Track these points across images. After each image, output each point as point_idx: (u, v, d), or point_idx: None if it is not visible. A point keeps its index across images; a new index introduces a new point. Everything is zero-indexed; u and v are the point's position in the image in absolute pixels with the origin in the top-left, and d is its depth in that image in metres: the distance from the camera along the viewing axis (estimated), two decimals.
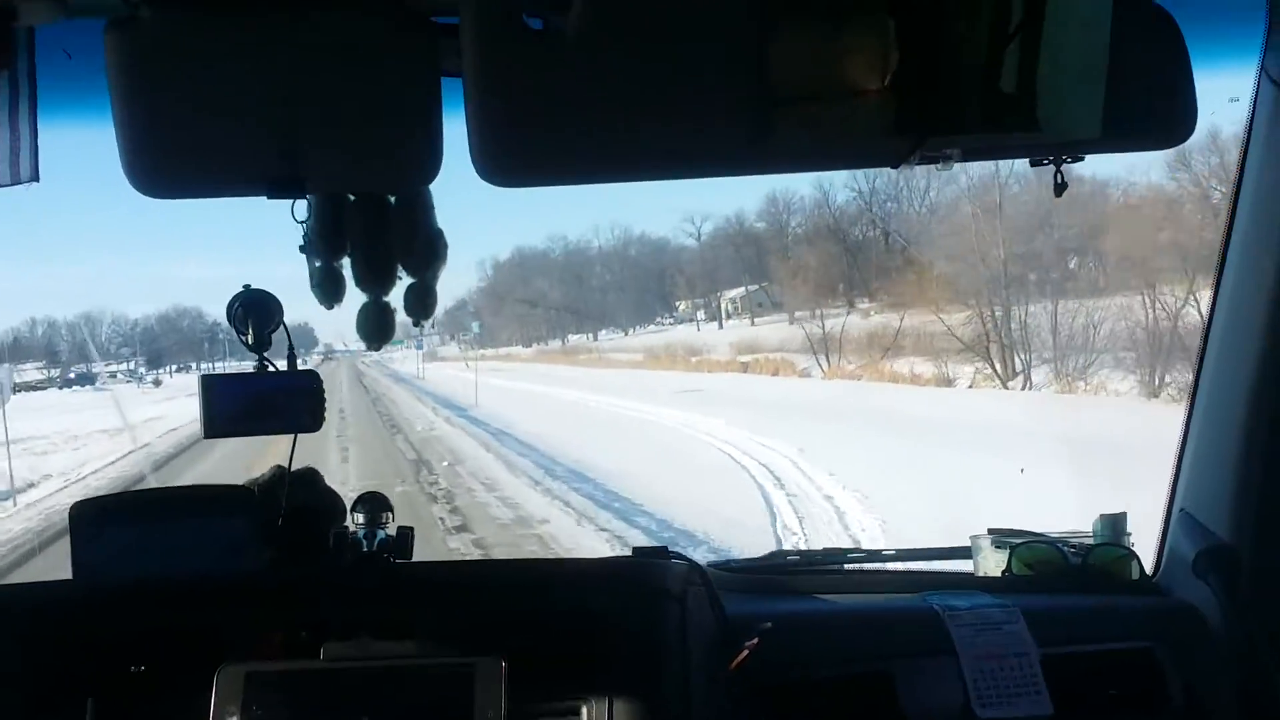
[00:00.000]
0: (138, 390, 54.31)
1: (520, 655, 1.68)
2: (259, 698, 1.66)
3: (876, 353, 33.84)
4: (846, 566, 2.28)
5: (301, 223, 1.73)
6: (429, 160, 1.60)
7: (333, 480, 2.14)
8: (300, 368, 1.93)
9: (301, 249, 1.81)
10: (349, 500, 2.03)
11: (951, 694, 1.93)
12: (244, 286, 1.91)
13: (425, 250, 1.95)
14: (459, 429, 24.33)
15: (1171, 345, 20.40)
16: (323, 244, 1.88)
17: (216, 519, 1.98)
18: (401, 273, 1.96)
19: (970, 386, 27.30)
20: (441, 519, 13.11)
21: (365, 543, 1.89)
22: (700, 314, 65.98)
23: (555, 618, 1.80)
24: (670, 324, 69.06)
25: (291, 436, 1.98)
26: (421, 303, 1.98)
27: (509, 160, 1.56)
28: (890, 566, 2.29)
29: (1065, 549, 2.21)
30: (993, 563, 2.25)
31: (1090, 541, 2.23)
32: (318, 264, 1.90)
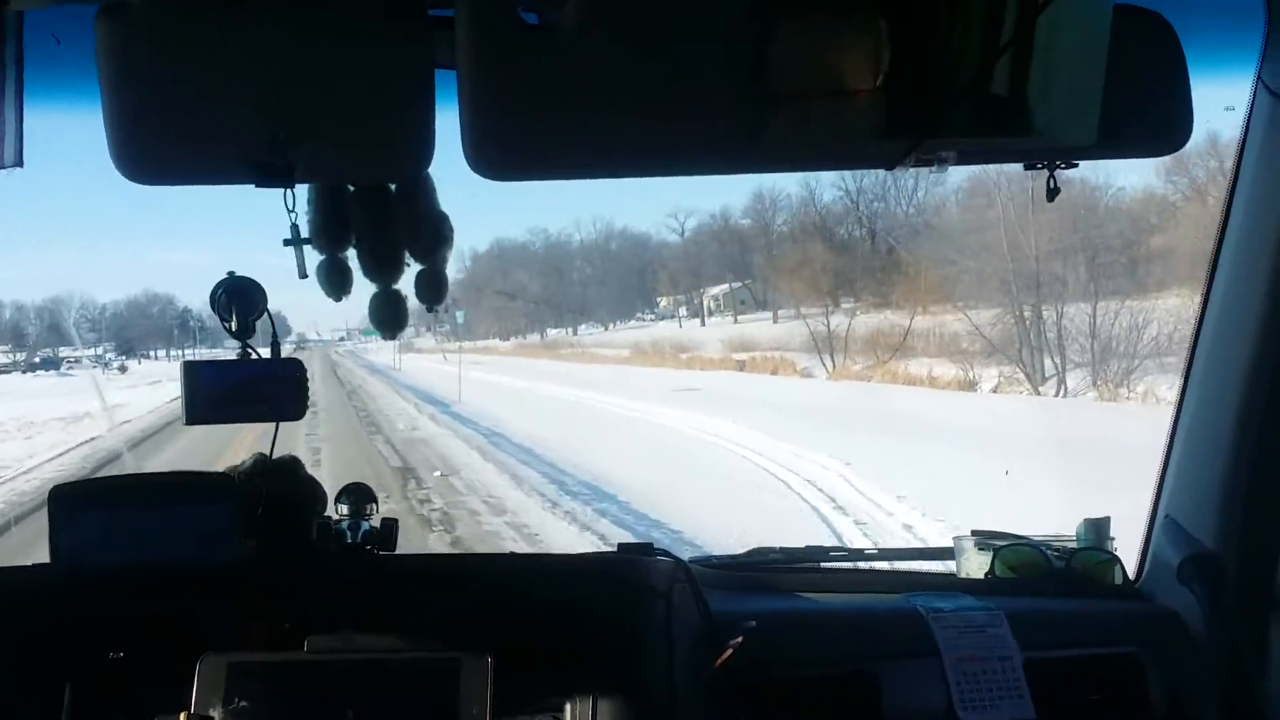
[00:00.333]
0: (102, 376, 53.23)
1: (505, 650, 1.67)
2: (241, 688, 1.65)
3: (884, 353, 33.06)
4: (830, 565, 2.28)
5: (290, 212, 1.70)
6: (420, 151, 1.59)
7: None
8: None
9: (287, 241, 1.77)
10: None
11: (934, 696, 1.93)
12: (228, 273, 1.89)
13: (431, 235, 1.92)
14: (445, 429, 22.01)
15: None
16: (325, 237, 1.86)
17: (196, 506, 1.96)
18: (409, 259, 1.93)
19: (994, 390, 26.04)
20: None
21: (349, 534, 1.88)
22: (682, 310, 65.50)
23: (540, 613, 1.79)
24: (651, 320, 68.66)
25: (258, 429, 1.96)
26: (433, 288, 1.95)
27: (501, 154, 1.55)
28: (873, 566, 2.29)
29: (1048, 552, 2.21)
30: (975, 564, 2.25)
31: (1073, 545, 2.24)
32: (322, 257, 1.88)
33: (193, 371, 1.86)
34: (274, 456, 2.03)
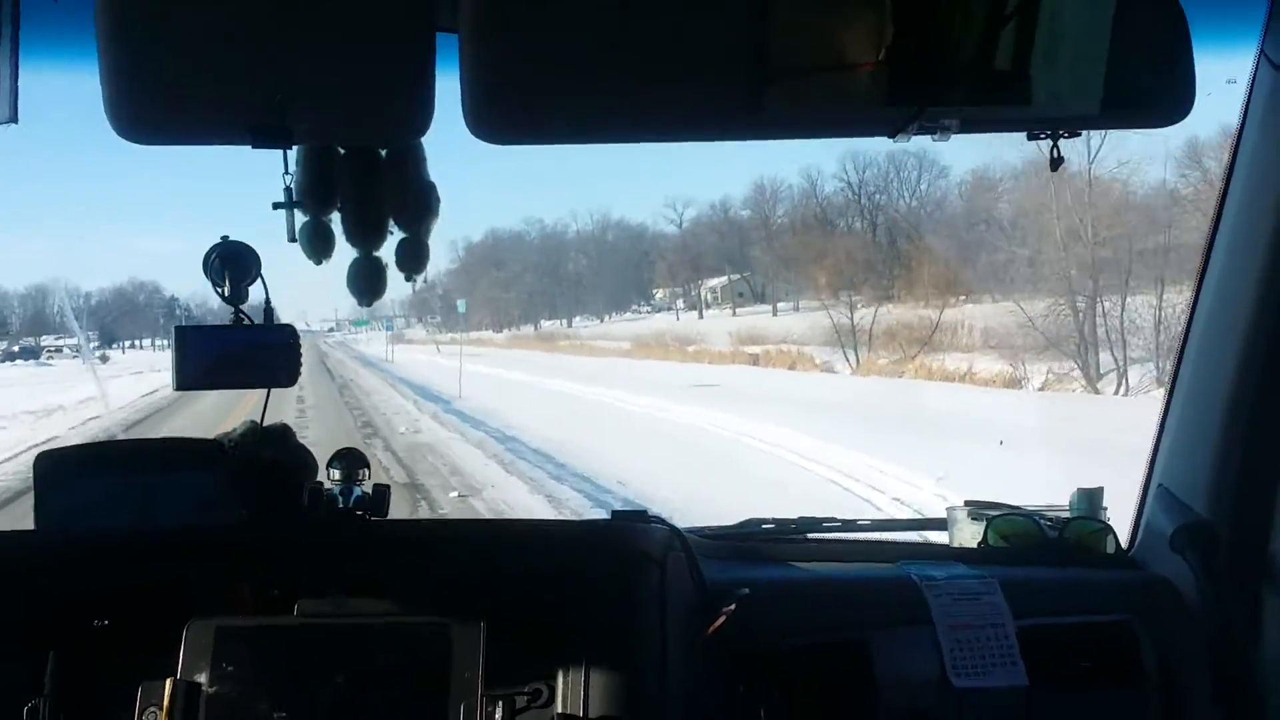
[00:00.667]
0: (82, 367, 50.50)
1: (497, 615, 1.66)
2: (229, 652, 1.63)
3: (911, 347, 31.76)
4: (824, 535, 2.27)
5: (286, 174, 1.68)
6: (420, 115, 1.57)
7: None
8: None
9: (277, 205, 1.75)
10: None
11: (927, 663, 1.93)
12: (222, 237, 1.86)
13: (417, 204, 1.91)
14: (453, 431, 19.44)
15: None
16: (311, 198, 1.84)
17: (186, 473, 1.95)
18: (393, 227, 1.91)
19: (1042, 388, 24.41)
20: None
21: (341, 499, 1.87)
22: (679, 303, 64.82)
23: (533, 578, 1.78)
24: (648, 312, 68.10)
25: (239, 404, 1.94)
26: (414, 257, 1.94)
27: (501, 117, 1.54)
28: (867, 536, 2.29)
29: (1042, 522, 2.21)
30: (968, 534, 2.25)
31: (1067, 515, 2.24)
32: (306, 219, 1.86)
33: (184, 337, 1.84)
34: (265, 424, 2.01)
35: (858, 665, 1.92)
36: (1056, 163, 1.70)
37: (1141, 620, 1.99)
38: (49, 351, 61.50)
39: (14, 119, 1.60)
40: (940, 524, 2.34)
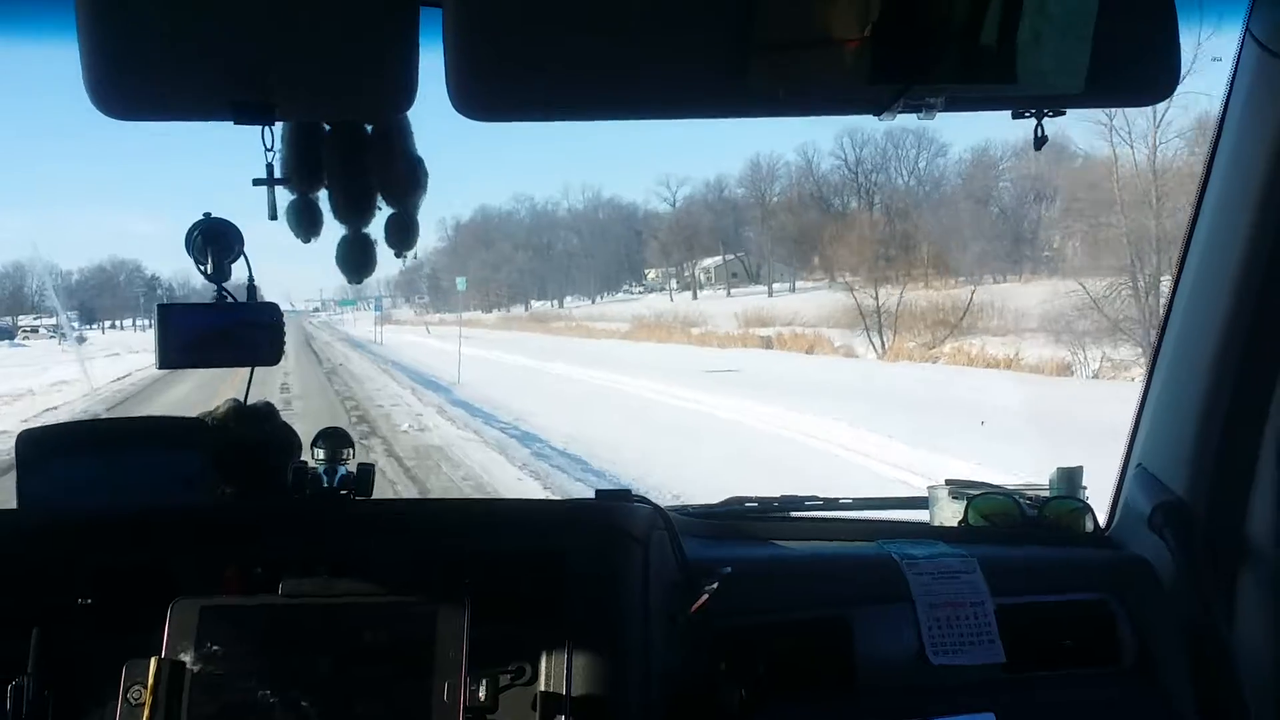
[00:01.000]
0: (58, 348, 48.90)
1: (482, 594, 1.67)
2: (213, 632, 1.63)
3: (940, 330, 30.33)
4: (806, 514, 2.29)
5: (268, 151, 1.67)
6: (403, 90, 1.56)
7: None
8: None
9: (257, 181, 1.73)
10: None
11: (907, 640, 1.95)
12: (204, 214, 1.85)
13: (405, 178, 1.89)
14: (464, 429, 16.75)
15: None
16: (297, 175, 1.83)
17: (169, 451, 1.94)
18: (381, 203, 1.90)
19: (1094, 376, 22.35)
20: None
21: (325, 479, 1.87)
22: (673, 283, 64.06)
23: (518, 557, 1.78)
24: (640, 292, 67.30)
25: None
26: (403, 233, 1.93)
27: (485, 94, 1.53)
28: (848, 515, 2.30)
29: (1021, 501, 2.23)
30: (949, 513, 2.27)
31: (1047, 494, 2.26)
32: (293, 196, 1.85)
33: (167, 315, 1.83)
34: (249, 402, 2.00)
35: (838, 642, 1.94)
36: (1040, 141, 1.70)
37: (1119, 599, 2.02)
38: (24, 331, 60.25)
39: None
40: (922, 502, 2.36)
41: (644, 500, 1.94)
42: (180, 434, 1.97)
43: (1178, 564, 1.98)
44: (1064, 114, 1.67)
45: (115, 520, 1.83)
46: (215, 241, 1.84)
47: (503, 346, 37.80)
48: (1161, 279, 21.68)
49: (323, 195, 1.89)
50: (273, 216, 1.78)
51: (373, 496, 1.94)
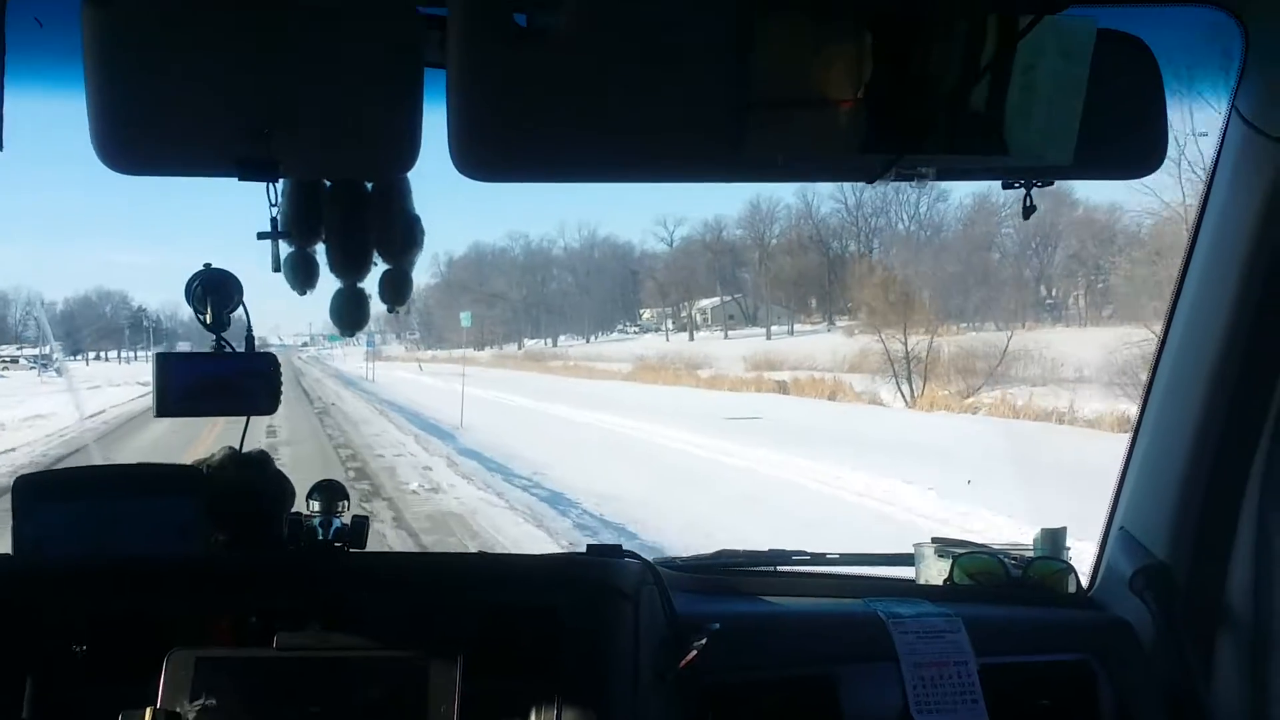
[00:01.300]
0: (36, 380, 46.65)
1: (473, 650, 1.68)
2: (209, 684, 1.64)
3: (975, 378, 28.61)
4: (793, 569, 2.30)
5: (272, 206, 1.70)
6: (406, 150, 1.59)
7: None
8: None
9: (261, 235, 1.77)
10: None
11: (891, 699, 1.96)
12: (204, 265, 1.88)
13: (403, 236, 1.92)
14: (481, 486, 14.48)
15: None
16: (297, 229, 1.85)
17: (164, 498, 1.95)
18: (377, 259, 1.93)
19: None
20: None
21: (320, 530, 1.88)
22: (669, 323, 63.35)
23: (509, 612, 1.80)
24: (635, 333, 66.29)
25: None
26: (397, 289, 1.95)
27: (487, 155, 1.56)
28: (836, 570, 2.32)
29: (1006, 560, 2.25)
30: (935, 571, 2.29)
31: (1031, 554, 2.28)
32: (291, 249, 1.87)
33: (165, 363, 1.85)
34: (244, 450, 2.02)
35: (824, 700, 1.95)
36: (1029, 211, 1.74)
37: (1100, 661, 2.04)
38: (4, 361, 59.25)
39: None
40: (908, 559, 2.38)
41: (633, 555, 1.96)
42: (175, 481, 1.99)
43: (1158, 627, 2.00)
44: (1052, 184, 1.71)
45: (109, 568, 1.84)
46: (215, 292, 1.87)
47: (501, 386, 35.60)
48: None
49: (319, 249, 1.92)
50: (276, 269, 1.81)
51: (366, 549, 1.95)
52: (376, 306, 2.01)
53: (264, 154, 1.53)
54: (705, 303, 61.71)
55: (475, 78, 1.51)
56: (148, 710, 1.59)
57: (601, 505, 12.87)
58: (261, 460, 2.03)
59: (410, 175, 1.90)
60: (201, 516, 1.93)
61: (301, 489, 1.98)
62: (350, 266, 1.91)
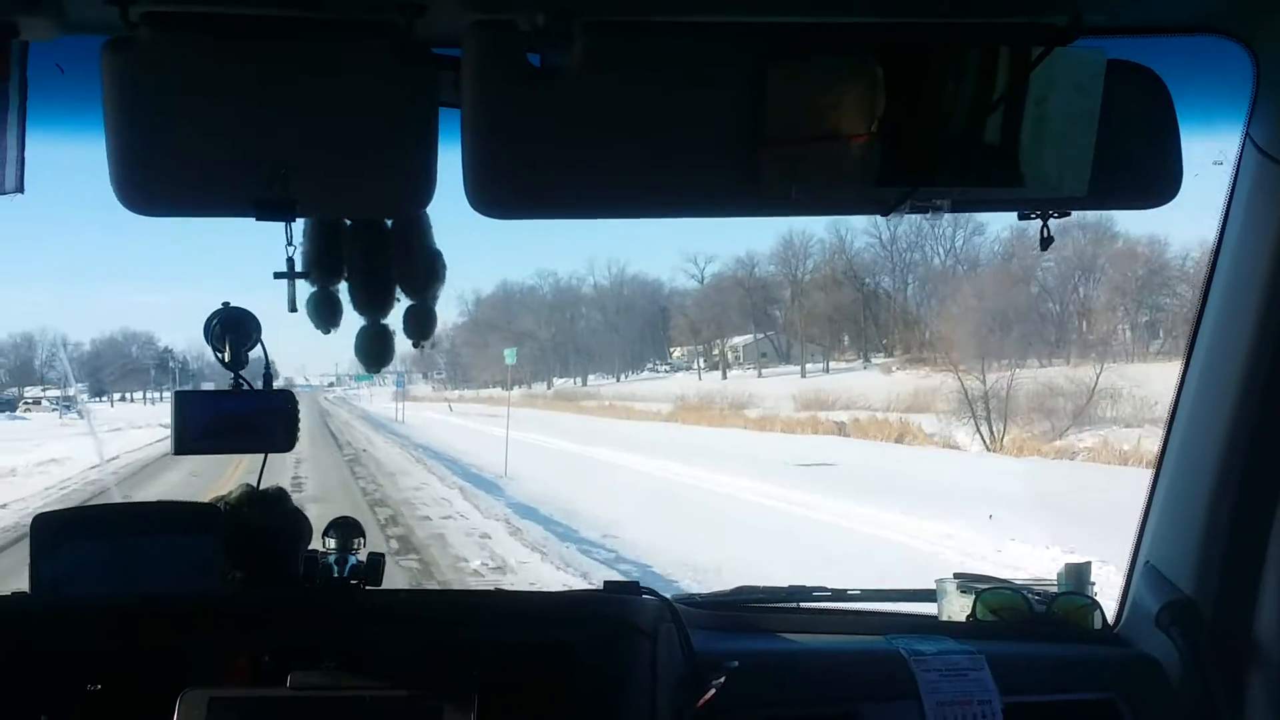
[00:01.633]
0: (57, 421, 46.22)
1: (490, 688, 1.67)
2: None
3: (1060, 418, 26.56)
4: (813, 605, 2.28)
5: (289, 245, 1.72)
6: (422, 188, 1.61)
7: None
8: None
9: (278, 275, 1.78)
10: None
11: None
12: (223, 304, 1.90)
13: (424, 272, 1.93)
14: (558, 562, 12.47)
15: None
16: (319, 268, 1.87)
17: (182, 536, 1.96)
18: (399, 295, 1.94)
19: None
20: None
21: (336, 568, 1.87)
22: (700, 361, 62.37)
23: (526, 650, 1.79)
24: (666, 371, 65.54)
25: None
26: (421, 324, 1.96)
27: (501, 192, 1.57)
28: (856, 606, 2.29)
29: (1030, 596, 2.22)
30: (957, 607, 2.26)
31: (1055, 589, 2.25)
32: (314, 289, 1.88)
33: (183, 401, 1.86)
34: (262, 488, 2.02)
35: None
36: (1046, 242, 1.74)
37: (1126, 699, 2.00)
38: (26, 404, 59.15)
39: (20, 189, 1.63)
40: (930, 595, 2.35)
41: (651, 592, 1.94)
42: (193, 519, 1.99)
43: (1185, 663, 1.96)
44: (1069, 215, 1.71)
45: (125, 606, 1.84)
46: (234, 330, 1.88)
47: (535, 427, 32.90)
48: None
49: (342, 287, 1.93)
50: (292, 309, 1.82)
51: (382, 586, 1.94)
52: (400, 343, 2.02)
53: (281, 194, 1.55)
54: (738, 340, 60.90)
55: (489, 116, 1.53)
56: None
57: (701, 580, 11.12)
58: (279, 498, 2.03)
59: (437, 214, 1.92)
60: (219, 554, 1.93)
61: None
62: (373, 304, 1.93)
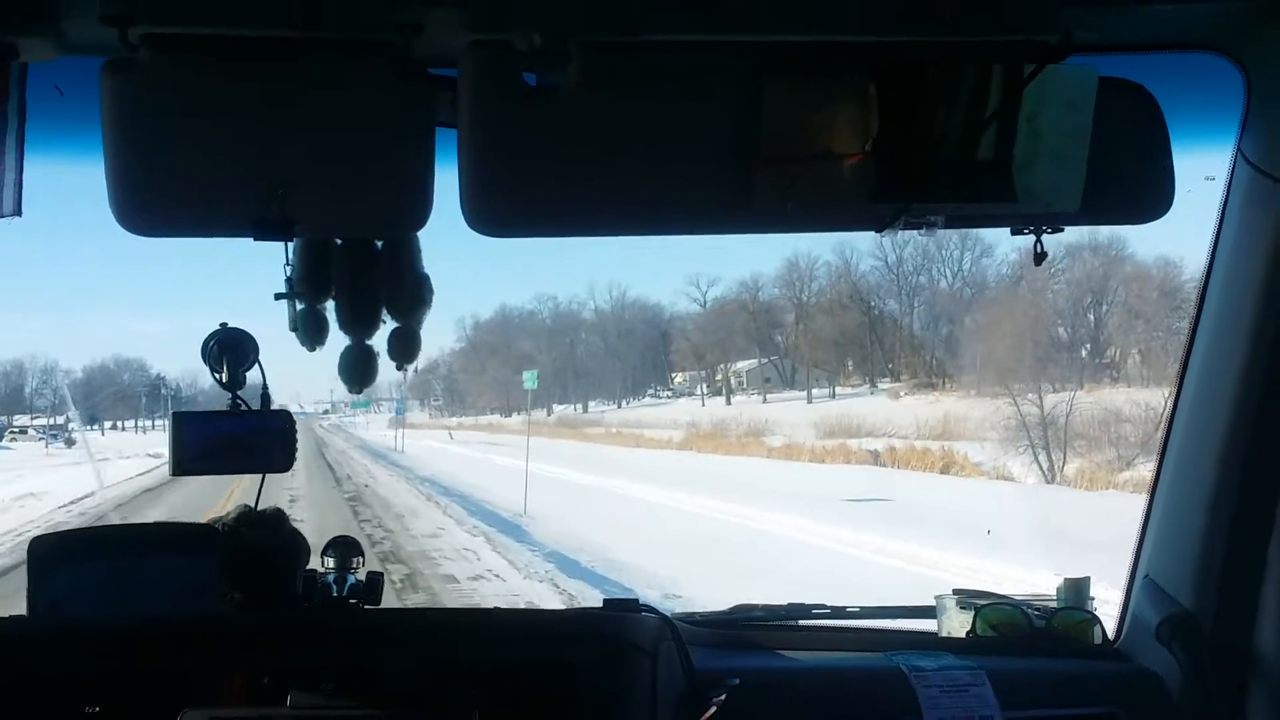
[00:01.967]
0: (43, 451, 45.37)
1: (490, 707, 1.66)
2: None
3: (1127, 446, 24.08)
4: (812, 623, 2.28)
5: (287, 265, 1.72)
6: (419, 208, 1.61)
7: None
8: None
9: (278, 296, 1.79)
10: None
11: None
12: (220, 324, 1.90)
13: (411, 295, 1.94)
14: None
15: None
16: (307, 286, 1.87)
17: (179, 557, 1.96)
18: (386, 316, 1.94)
19: None
20: None
21: (335, 587, 1.87)
22: (702, 387, 61.13)
23: (526, 668, 1.78)
24: (668, 397, 64.37)
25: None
26: (405, 347, 1.96)
27: (498, 211, 1.58)
28: (856, 624, 2.29)
29: (1029, 611, 2.22)
30: (957, 623, 2.26)
31: (1054, 604, 2.25)
32: (300, 306, 1.89)
33: (181, 422, 1.86)
34: (259, 508, 2.02)
35: None
36: (1040, 257, 1.75)
37: (1127, 713, 2.00)
38: (12, 432, 58.10)
39: (18, 213, 1.63)
40: (929, 611, 2.35)
41: (651, 610, 1.94)
42: (190, 540, 1.99)
43: (1186, 677, 1.96)
44: (1062, 231, 1.71)
45: (123, 628, 1.83)
46: (231, 350, 1.88)
47: (543, 457, 28.87)
48: None
49: (329, 306, 1.93)
50: (294, 329, 1.83)
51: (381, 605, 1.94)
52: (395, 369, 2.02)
53: (279, 214, 1.56)
54: (741, 365, 60.03)
55: (486, 136, 1.53)
56: None
57: None
58: (277, 518, 2.03)
59: (435, 236, 1.92)
60: (217, 575, 1.93)
61: None
62: (359, 324, 1.93)
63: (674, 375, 67.94)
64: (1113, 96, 1.59)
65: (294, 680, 1.69)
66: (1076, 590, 2.26)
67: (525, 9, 1.48)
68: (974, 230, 1.80)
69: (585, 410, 68.45)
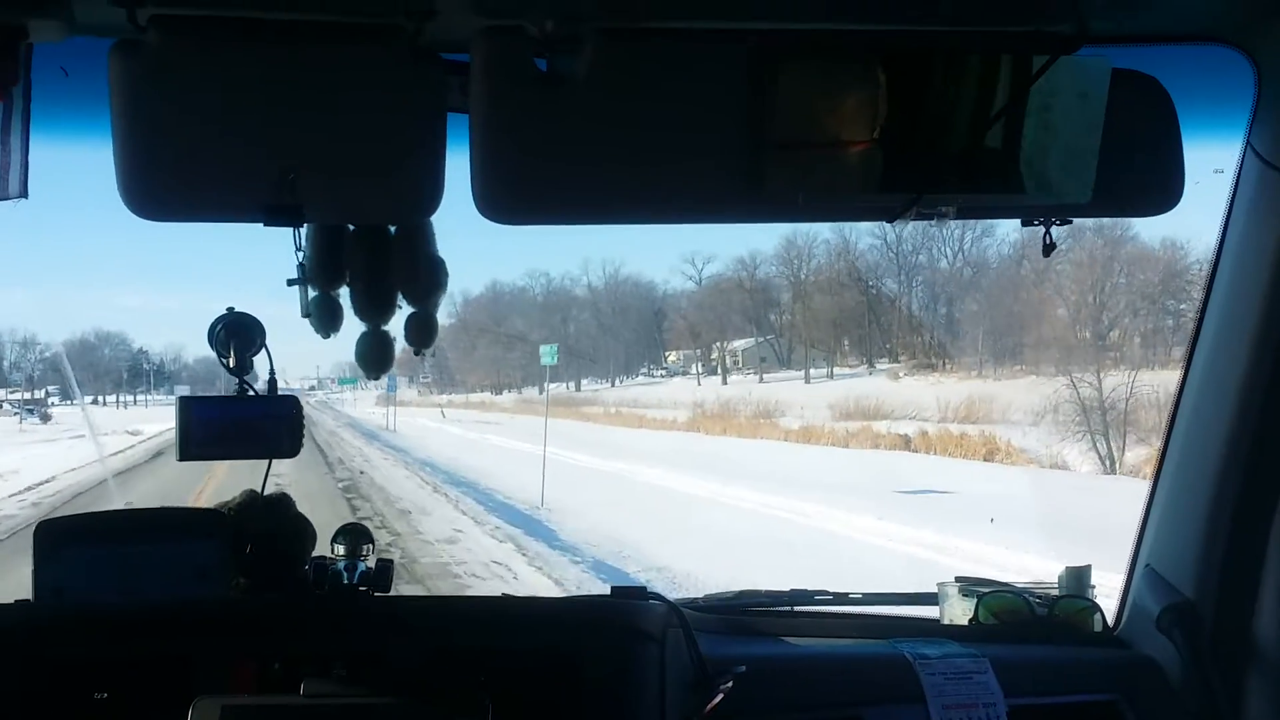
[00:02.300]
0: (17, 427, 43.72)
1: (500, 694, 1.67)
2: None
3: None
4: (817, 609, 2.29)
5: (298, 251, 1.71)
6: (430, 193, 1.61)
7: None
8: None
9: (290, 281, 1.78)
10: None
11: None
12: (227, 309, 1.89)
13: (426, 279, 1.93)
14: None
15: None
16: (321, 273, 1.86)
17: (186, 542, 1.95)
18: (401, 301, 1.94)
19: None
20: None
21: (345, 574, 1.87)
22: (697, 366, 60.09)
23: (536, 655, 1.79)
24: (662, 376, 63.39)
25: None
26: (422, 332, 1.95)
27: (509, 198, 1.57)
28: (860, 610, 2.30)
29: (1031, 599, 2.23)
30: (959, 610, 2.27)
31: (1056, 592, 2.26)
32: (314, 293, 1.88)
33: (187, 407, 1.85)
34: (266, 493, 2.02)
35: None
36: (1050, 248, 1.75)
37: (1127, 700, 2.02)
38: None
39: (24, 194, 1.62)
40: (931, 598, 2.36)
41: (659, 597, 1.95)
42: (196, 525, 1.98)
43: (1186, 665, 1.98)
44: (1070, 223, 1.72)
45: (131, 613, 1.83)
46: (238, 335, 1.88)
47: (543, 439, 23.63)
48: None
49: (344, 292, 1.92)
50: (306, 314, 1.82)
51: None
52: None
53: (289, 199, 1.55)
54: (738, 344, 59.15)
55: (497, 121, 1.53)
56: None
57: None
58: (282, 502, 2.02)
59: (436, 237, 1.92)
60: (224, 560, 1.93)
61: None
62: (375, 310, 1.92)
63: (667, 354, 67.20)
64: (1124, 88, 1.60)
65: (304, 667, 1.69)
66: (1077, 578, 2.28)
67: None
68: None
69: (578, 389, 67.54)
